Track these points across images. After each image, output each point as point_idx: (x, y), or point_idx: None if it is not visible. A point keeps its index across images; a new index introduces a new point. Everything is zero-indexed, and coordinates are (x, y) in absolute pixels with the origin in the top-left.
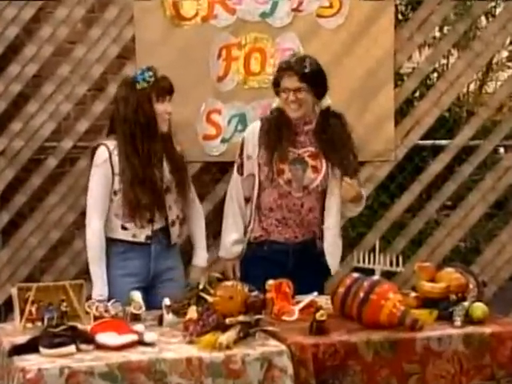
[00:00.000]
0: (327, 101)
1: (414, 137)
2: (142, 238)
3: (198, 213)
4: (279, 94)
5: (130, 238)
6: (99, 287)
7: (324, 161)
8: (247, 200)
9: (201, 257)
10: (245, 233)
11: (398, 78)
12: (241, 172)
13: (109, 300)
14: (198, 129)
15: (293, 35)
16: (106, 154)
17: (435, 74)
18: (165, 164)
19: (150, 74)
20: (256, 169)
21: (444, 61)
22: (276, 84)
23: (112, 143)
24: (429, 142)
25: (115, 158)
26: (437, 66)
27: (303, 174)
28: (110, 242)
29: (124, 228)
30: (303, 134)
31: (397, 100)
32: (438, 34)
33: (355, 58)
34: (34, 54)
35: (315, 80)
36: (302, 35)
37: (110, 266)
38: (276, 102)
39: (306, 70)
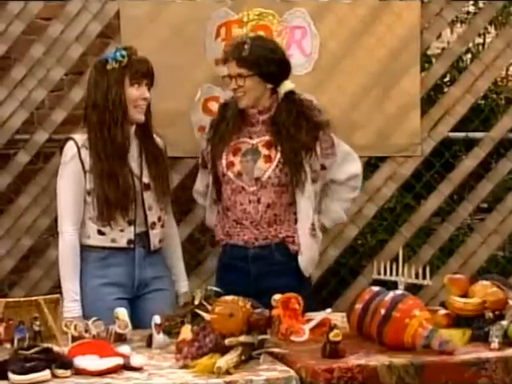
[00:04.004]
0: (288, 85)
1: (443, 128)
2: (123, 243)
3: (174, 232)
4: None
5: (109, 244)
6: (70, 305)
7: (279, 149)
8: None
9: (183, 286)
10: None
11: (425, 60)
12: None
13: (85, 317)
14: (192, 119)
15: (303, 11)
16: (74, 149)
17: (469, 56)
18: (143, 158)
19: (123, 53)
20: (209, 165)
21: (479, 40)
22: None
23: (82, 137)
24: (461, 135)
25: (85, 153)
26: (470, 45)
27: (253, 164)
28: (87, 249)
29: (101, 233)
30: (260, 123)
31: (424, 86)
32: (471, 9)
33: (375, 37)
34: (2, 32)
35: (257, 63)
36: (314, 10)
37: (88, 275)
38: None
39: (244, 54)
